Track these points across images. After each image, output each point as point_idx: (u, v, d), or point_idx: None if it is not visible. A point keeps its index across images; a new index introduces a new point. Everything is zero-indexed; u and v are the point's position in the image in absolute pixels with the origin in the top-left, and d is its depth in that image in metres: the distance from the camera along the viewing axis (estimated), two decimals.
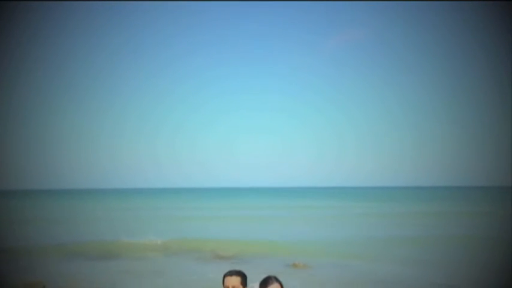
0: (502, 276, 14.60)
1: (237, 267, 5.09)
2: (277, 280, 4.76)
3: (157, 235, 27.34)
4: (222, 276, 4.85)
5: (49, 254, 20.18)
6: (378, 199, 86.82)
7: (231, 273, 4.83)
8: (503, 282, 13.85)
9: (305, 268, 17.95)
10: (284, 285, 4.82)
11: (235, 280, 4.72)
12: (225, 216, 43.59)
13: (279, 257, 19.45)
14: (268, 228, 32.13)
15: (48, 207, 60.31)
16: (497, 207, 50.56)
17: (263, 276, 4.90)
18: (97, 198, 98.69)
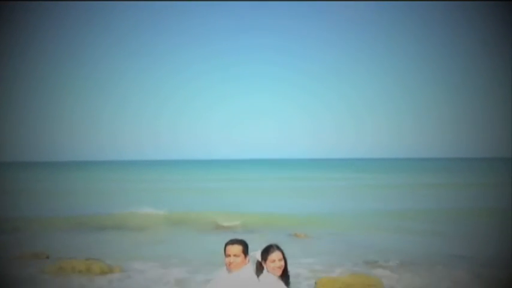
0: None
1: (239, 238, 5.09)
2: (278, 248, 4.76)
3: (159, 207, 27.56)
4: (224, 245, 4.85)
5: (52, 226, 20.37)
6: (380, 170, 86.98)
7: (232, 241, 4.82)
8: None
9: (306, 238, 18.10)
10: (285, 254, 4.82)
11: (236, 249, 4.72)
12: (227, 188, 43.79)
13: (280, 227, 19.60)
14: (270, 200, 32.29)
15: (51, 180, 60.68)
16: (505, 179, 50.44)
17: (265, 245, 4.91)
18: (99, 170, 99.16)
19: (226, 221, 21.26)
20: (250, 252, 4.86)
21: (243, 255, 4.74)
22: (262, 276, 4.72)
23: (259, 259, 4.79)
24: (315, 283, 10.49)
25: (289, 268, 4.90)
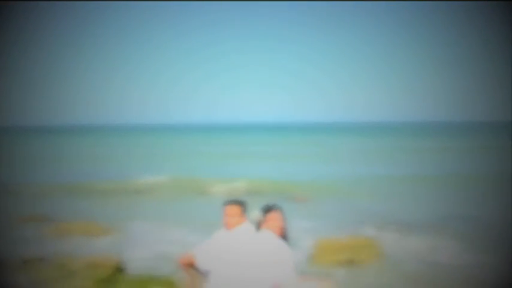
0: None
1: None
2: (277, 208, 4.74)
3: (161, 172, 27.64)
4: (223, 205, 4.83)
5: (55, 191, 20.35)
6: (383, 134, 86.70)
7: (231, 202, 4.81)
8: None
9: (306, 201, 18.25)
10: (284, 215, 4.80)
11: (235, 209, 4.70)
12: (229, 153, 43.54)
13: (280, 192, 19.65)
14: (270, 165, 32.06)
15: (53, 145, 60.61)
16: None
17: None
18: (101, 135, 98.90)
19: (226, 185, 21.31)
20: (249, 212, 4.85)
21: (241, 215, 4.73)
22: (261, 235, 4.71)
23: (259, 219, 4.78)
24: (314, 243, 10.57)
25: (289, 229, 4.89)
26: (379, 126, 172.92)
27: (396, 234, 12.58)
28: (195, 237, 12.29)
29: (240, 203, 4.80)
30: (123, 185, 21.54)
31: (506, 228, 12.88)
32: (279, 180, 22.84)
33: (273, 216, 4.69)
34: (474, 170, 26.04)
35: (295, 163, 33.94)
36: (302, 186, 21.45)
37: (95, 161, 35.89)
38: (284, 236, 4.79)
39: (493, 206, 16.69)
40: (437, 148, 45.76)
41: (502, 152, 38.62)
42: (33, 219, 14.57)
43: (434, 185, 21.63)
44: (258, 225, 4.78)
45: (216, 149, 49.72)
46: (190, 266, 4.78)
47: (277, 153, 42.57)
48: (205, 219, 14.54)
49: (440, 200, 17.82)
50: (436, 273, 9.22)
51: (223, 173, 25.91)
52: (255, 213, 4.81)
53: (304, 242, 11.51)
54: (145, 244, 11.83)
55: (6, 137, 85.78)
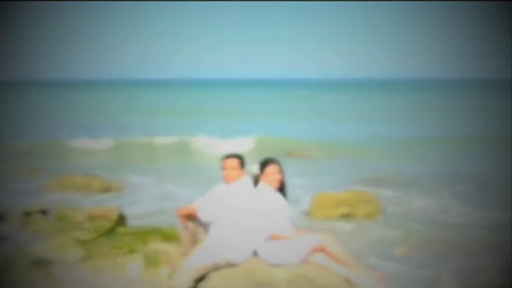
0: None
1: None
2: (275, 161, 4.80)
3: (158, 129, 27.64)
4: (221, 159, 4.89)
5: (48, 148, 20.29)
6: (386, 91, 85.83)
7: (229, 155, 4.87)
8: None
9: (305, 158, 18.38)
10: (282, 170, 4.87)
11: (233, 162, 4.76)
12: (226, 109, 43.13)
13: (279, 149, 19.68)
14: (269, 122, 31.70)
15: (51, 100, 60.28)
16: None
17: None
18: (101, 90, 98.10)
19: (225, 142, 21.32)
20: (248, 166, 4.90)
21: (239, 169, 4.79)
22: (259, 188, 4.79)
23: (257, 172, 4.84)
24: (311, 198, 10.71)
25: (287, 183, 4.96)
26: (381, 83, 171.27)
27: (396, 192, 12.71)
28: (194, 192, 12.50)
29: (239, 156, 4.85)
30: (116, 143, 21.42)
31: (507, 188, 12.98)
32: (282, 137, 22.72)
33: (271, 169, 4.75)
34: (478, 130, 25.81)
35: (296, 120, 33.72)
36: (304, 143, 21.42)
37: (96, 116, 35.68)
38: (282, 189, 4.87)
39: (494, 165, 16.71)
40: (439, 107, 45.44)
41: (503, 111, 38.31)
42: (32, 171, 14.73)
43: (437, 145, 21.44)
44: (257, 179, 4.85)
45: (214, 104, 49.27)
46: (189, 217, 4.88)
47: (279, 110, 42.24)
48: (203, 175, 14.71)
49: (442, 160, 17.79)
50: (437, 231, 9.36)
51: (221, 130, 25.83)
52: (254, 167, 4.88)
53: (302, 197, 11.69)
54: (146, 199, 12.00)
55: (7, 91, 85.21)
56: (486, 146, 20.58)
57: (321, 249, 4.67)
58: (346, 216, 10.12)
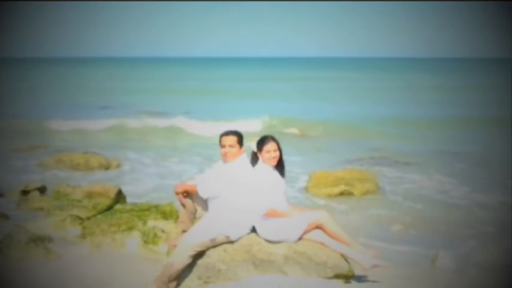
0: None
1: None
2: (273, 139, 4.78)
3: (155, 107, 27.55)
4: (219, 136, 4.87)
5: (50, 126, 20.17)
6: (383, 70, 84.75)
7: (227, 132, 4.83)
8: None
9: (302, 137, 18.42)
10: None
11: (231, 139, 4.73)
12: (223, 89, 42.51)
13: (274, 128, 19.64)
14: (266, 103, 31.07)
15: (46, 77, 59.82)
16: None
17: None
18: (99, 68, 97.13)
19: (222, 124, 21.24)
20: (246, 144, 4.89)
21: (238, 146, 4.77)
22: (257, 166, 4.78)
23: (255, 150, 4.83)
24: (309, 176, 10.73)
25: (285, 161, 4.95)
26: (379, 62, 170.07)
27: (394, 171, 12.73)
28: (192, 170, 12.54)
29: (237, 133, 4.82)
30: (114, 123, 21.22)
31: (505, 168, 12.99)
32: (280, 117, 22.55)
33: (269, 147, 4.73)
34: (476, 110, 25.55)
35: (291, 100, 33.33)
36: (302, 122, 21.33)
37: (94, 94, 35.38)
38: (280, 167, 4.86)
39: (492, 145, 16.67)
40: (438, 86, 45.13)
41: (502, 91, 37.96)
42: (30, 149, 14.74)
43: (435, 125, 21.21)
44: (254, 157, 4.84)
45: (210, 84, 48.59)
46: (186, 194, 4.89)
47: (276, 90, 41.73)
48: (201, 155, 14.72)
49: (440, 139, 17.70)
50: (435, 210, 9.40)
51: (218, 111, 25.66)
52: (251, 144, 4.86)
53: (300, 175, 11.73)
54: (144, 177, 12.03)
55: (8, 68, 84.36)
56: (485, 126, 20.49)
57: (319, 227, 4.69)
58: (343, 194, 10.16)
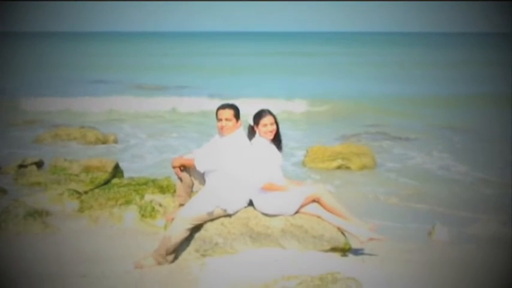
0: None
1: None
2: (270, 113, 4.73)
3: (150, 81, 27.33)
4: (215, 110, 4.82)
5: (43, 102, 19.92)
6: (383, 46, 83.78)
7: (223, 106, 4.78)
8: None
9: (299, 114, 18.41)
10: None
11: (228, 113, 4.69)
12: (218, 64, 41.88)
13: (271, 102, 19.52)
14: (263, 79, 30.68)
15: (45, 51, 59.04)
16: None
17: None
18: (96, 42, 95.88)
19: (219, 100, 21.11)
20: (242, 118, 4.84)
21: (234, 120, 4.72)
22: (254, 140, 4.75)
23: (251, 123, 4.79)
24: (306, 151, 10.73)
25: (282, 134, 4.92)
26: (376, 36, 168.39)
27: (392, 146, 12.73)
28: (189, 145, 12.51)
29: (233, 107, 4.77)
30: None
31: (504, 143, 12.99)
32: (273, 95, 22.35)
33: (266, 121, 4.69)
34: (475, 86, 25.26)
35: (289, 76, 32.85)
36: (300, 99, 21.17)
37: (93, 69, 35.02)
38: (277, 141, 4.83)
39: (491, 121, 16.56)
40: (435, 62, 44.66)
41: (502, 66, 37.56)
42: (26, 123, 14.67)
43: (433, 101, 20.97)
44: (251, 130, 4.80)
45: (205, 59, 47.84)
46: (184, 168, 4.86)
47: (266, 65, 40.99)
48: (198, 130, 14.67)
49: (437, 116, 17.56)
50: (431, 185, 9.43)
51: (214, 86, 25.41)
52: (248, 118, 4.82)
53: (297, 149, 11.72)
54: (142, 152, 12.01)
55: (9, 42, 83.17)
56: (483, 102, 20.31)
57: (316, 200, 4.69)
58: (340, 169, 10.17)
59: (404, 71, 35.10)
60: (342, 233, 4.74)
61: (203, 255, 4.69)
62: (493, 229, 6.79)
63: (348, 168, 10.18)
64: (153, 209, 6.25)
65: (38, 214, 6.17)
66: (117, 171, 7.63)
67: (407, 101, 20.71)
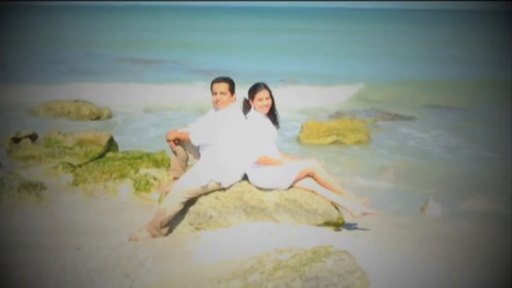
0: None
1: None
2: (266, 87, 4.68)
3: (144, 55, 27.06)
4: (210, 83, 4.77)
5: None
6: (377, 22, 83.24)
7: (218, 79, 4.73)
8: None
9: (295, 85, 18.35)
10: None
11: (223, 86, 4.64)
12: (215, 41, 41.35)
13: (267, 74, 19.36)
14: (264, 57, 30.36)
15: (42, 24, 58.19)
16: None
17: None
18: (91, 14, 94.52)
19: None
20: (237, 92, 4.80)
21: (229, 93, 4.68)
22: (249, 114, 4.71)
23: (246, 97, 4.74)
24: (301, 126, 10.72)
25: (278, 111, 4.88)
26: (369, 12, 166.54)
27: (387, 122, 12.72)
28: (186, 119, 12.45)
29: (228, 80, 4.72)
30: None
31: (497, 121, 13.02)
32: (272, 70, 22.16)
33: (260, 95, 4.64)
34: (473, 67, 25.02)
35: (290, 54, 32.46)
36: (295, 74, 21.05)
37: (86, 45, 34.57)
38: (272, 115, 4.80)
39: (486, 101, 16.46)
40: (431, 41, 44.29)
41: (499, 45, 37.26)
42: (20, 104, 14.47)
43: (428, 81, 20.74)
44: (246, 105, 4.76)
45: (200, 35, 47.23)
46: (178, 141, 4.84)
47: (267, 43, 40.54)
48: (195, 106, 14.57)
49: (432, 95, 17.42)
50: (425, 160, 9.46)
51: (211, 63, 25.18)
52: (243, 93, 4.77)
53: (292, 124, 11.70)
54: (136, 125, 11.96)
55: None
56: (481, 82, 20.16)
57: (310, 175, 4.69)
58: (335, 144, 10.18)
59: (399, 50, 34.63)
60: (336, 207, 4.75)
61: (197, 229, 4.71)
62: (485, 206, 6.84)
63: (342, 143, 10.20)
64: (147, 182, 6.25)
65: (32, 187, 6.15)
66: (111, 144, 7.59)
67: (402, 80, 20.59)
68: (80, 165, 6.85)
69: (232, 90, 4.70)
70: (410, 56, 30.85)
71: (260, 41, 40.60)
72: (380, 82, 19.60)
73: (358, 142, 10.27)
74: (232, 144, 4.63)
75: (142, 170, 6.50)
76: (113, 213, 5.66)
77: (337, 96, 16.64)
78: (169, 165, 5.84)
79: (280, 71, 21.74)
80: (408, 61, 28.16)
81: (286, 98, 14.12)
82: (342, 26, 72.45)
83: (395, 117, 13.44)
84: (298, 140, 10.46)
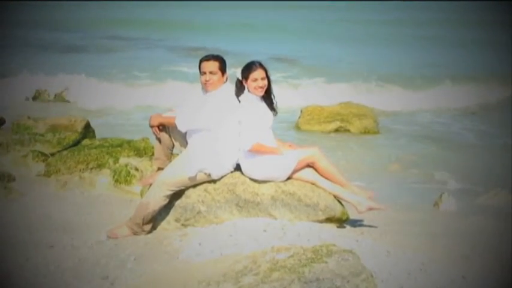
0: None
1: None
2: (261, 66, 4.64)
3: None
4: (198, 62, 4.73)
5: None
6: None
7: (207, 57, 4.68)
8: None
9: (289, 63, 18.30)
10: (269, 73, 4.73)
11: (212, 65, 4.59)
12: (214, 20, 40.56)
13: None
14: (269, 40, 29.87)
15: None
16: None
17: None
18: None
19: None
20: (229, 71, 4.76)
21: (220, 73, 4.64)
22: (242, 96, 4.68)
23: (240, 77, 4.70)
24: (301, 111, 10.68)
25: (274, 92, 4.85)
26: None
27: (396, 93, 12.66)
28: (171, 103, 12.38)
29: (218, 58, 4.68)
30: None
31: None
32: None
33: (255, 75, 4.60)
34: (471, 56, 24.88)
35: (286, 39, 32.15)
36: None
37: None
38: (268, 98, 4.77)
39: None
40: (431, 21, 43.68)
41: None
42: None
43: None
44: (239, 86, 4.72)
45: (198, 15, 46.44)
46: (163, 127, 4.80)
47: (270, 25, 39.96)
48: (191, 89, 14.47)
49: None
50: (438, 150, 9.47)
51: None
52: (236, 72, 4.73)
53: (290, 108, 11.62)
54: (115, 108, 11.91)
55: None
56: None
57: (310, 164, 4.66)
58: (338, 132, 10.15)
59: (399, 38, 34.23)
60: (339, 201, 4.74)
61: (184, 225, 4.70)
62: (504, 201, 6.86)
63: (347, 130, 10.16)
64: (128, 173, 6.24)
65: (0, 178, 6.12)
66: (88, 131, 7.52)
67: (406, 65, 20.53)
68: (52, 154, 6.80)
69: (223, 69, 4.65)
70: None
71: (252, 18, 40.18)
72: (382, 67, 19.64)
73: (364, 128, 10.24)
74: (223, 131, 4.61)
75: (123, 160, 6.49)
76: (90, 207, 5.66)
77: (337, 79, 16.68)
78: (152, 153, 5.81)
79: (275, 51, 21.60)
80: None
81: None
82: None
83: (407, 99, 13.46)
84: (297, 125, 10.42)
